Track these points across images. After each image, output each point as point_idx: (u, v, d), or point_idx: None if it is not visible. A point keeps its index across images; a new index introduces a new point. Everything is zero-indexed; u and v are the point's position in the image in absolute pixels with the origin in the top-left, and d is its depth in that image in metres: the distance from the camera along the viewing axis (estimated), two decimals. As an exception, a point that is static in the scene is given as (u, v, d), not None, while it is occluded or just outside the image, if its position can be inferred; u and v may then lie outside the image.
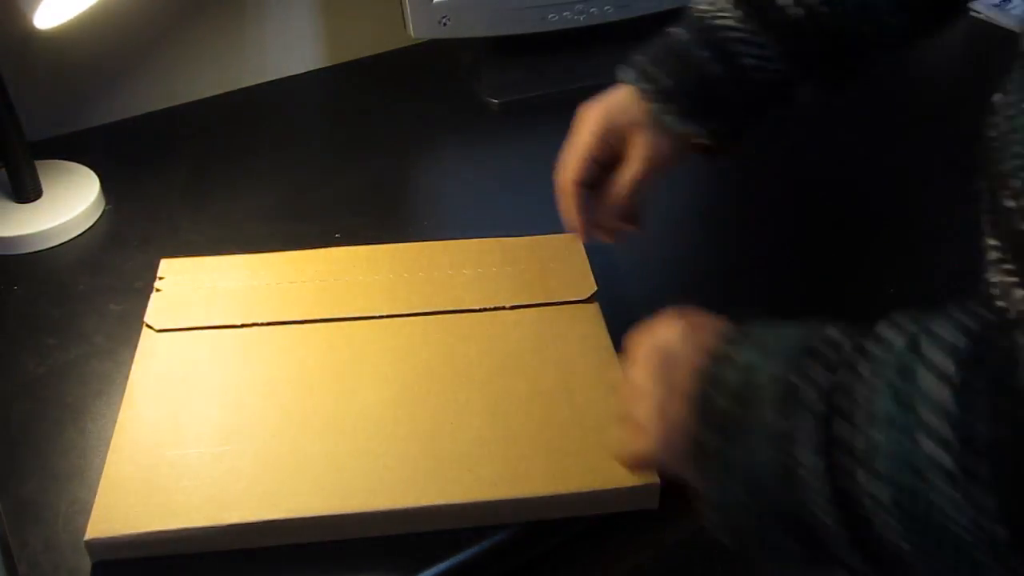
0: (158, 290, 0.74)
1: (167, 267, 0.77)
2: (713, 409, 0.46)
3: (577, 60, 1.13)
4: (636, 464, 0.58)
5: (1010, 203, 0.37)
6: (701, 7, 0.64)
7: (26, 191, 0.86)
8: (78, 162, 0.93)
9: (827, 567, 0.43)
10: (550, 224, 0.76)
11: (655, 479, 0.60)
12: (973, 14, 1.19)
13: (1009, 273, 0.38)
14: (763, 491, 0.43)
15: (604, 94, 0.67)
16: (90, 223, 0.87)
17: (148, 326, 0.71)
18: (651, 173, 0.66)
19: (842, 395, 0.40)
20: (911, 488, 0.36)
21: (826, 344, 0.43)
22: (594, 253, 0.77)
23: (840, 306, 0.75)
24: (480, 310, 0.72)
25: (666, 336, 0.52)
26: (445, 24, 1.02)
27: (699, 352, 0.48)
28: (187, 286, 0.75)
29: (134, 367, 0.68)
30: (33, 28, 0.78)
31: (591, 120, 0.67)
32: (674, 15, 0.67)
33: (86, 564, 0.57)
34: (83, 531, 0.57)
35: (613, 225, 0.70)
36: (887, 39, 0.63)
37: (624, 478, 0.60)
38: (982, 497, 0.34)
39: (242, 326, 0.71)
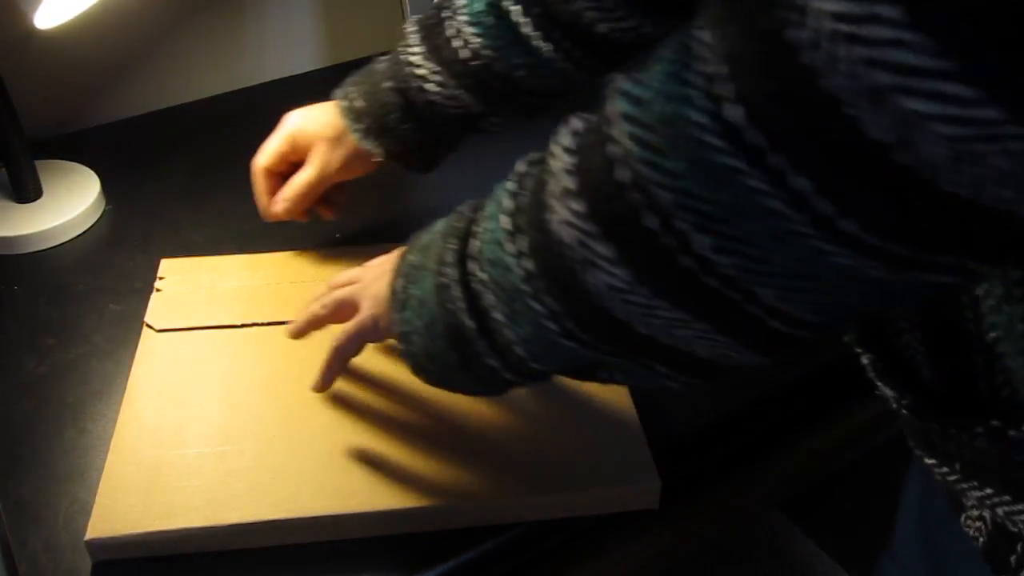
0: (158, 290, 0.74)
1: (167, 267, 0.77)
2: (404, 263, 0.54)
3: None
4: (343, 347, 0.60)
5: None
6: (405, 35, 0.71)
7: (26, 191, 0.86)
8: (78, 162, 0.93)
9: (475, 372, 0.51)
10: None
11: (656, 480, 0.60)
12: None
13: None
14: (429, 312, 0.51)
15: (318, 104, 0.75)
16: (90, 223, 0.87)
17: (148, 326, 0.71)
18: (322, 179, 0.74)
19: (478, 216, 0.49)
20: (498, 264, 0.46)
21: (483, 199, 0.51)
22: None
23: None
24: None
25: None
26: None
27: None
28: (187, 286, 0.75)
29: (134, 367, 0.68)
30: (33, 28, 0.78)
31: (289, 121, 0.75)
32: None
33: (86, 564, 0.57)
34: (83, 531, 0.57)
35: (298, 211, 0.76)
36: (559, 80, 0.67)
37: (625, 479, 0.60)
38: (529, 263, 0.44)
39: (242, 326, 0.71)
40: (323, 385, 0.62)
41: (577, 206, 0.40)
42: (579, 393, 0.65)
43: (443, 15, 0.68)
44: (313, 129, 0.74)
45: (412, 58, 0.69)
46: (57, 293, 0.79)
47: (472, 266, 0.48)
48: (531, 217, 0.43)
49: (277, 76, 1.11)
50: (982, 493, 0.45)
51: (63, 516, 0.60)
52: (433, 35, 0.68)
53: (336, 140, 0.73)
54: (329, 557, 0.58)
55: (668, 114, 0.35)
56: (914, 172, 0.30)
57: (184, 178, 0.94)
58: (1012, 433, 0.41)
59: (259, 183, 0.76)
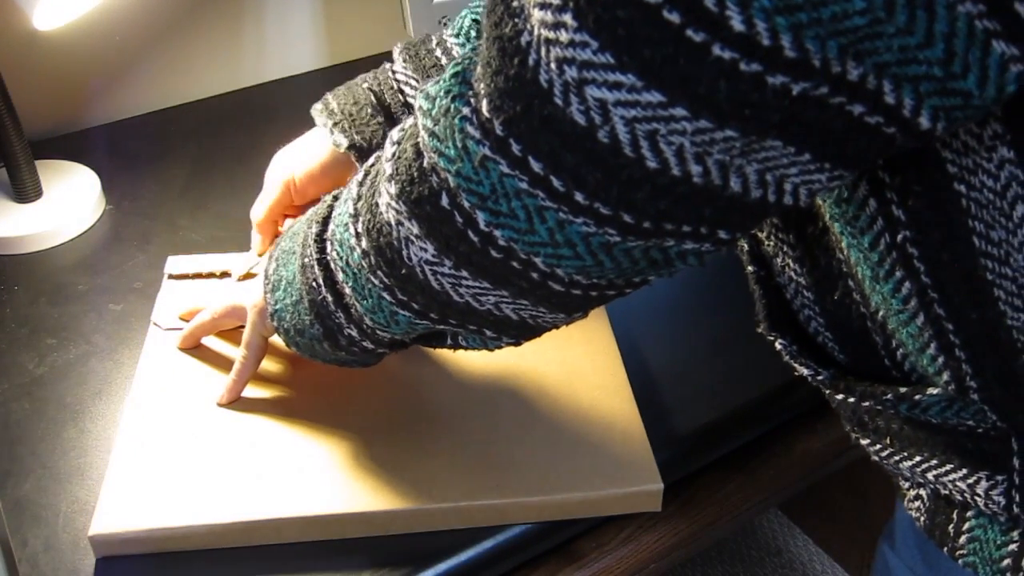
0: (165, 288, 0.74)
1: (174, 264, 0.77)
2: (277, 249, 0.60)
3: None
4: (245, 357, 0.64)
5: None
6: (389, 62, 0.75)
7: (26, 191, 0.86)
8: (78, 162, 0.93)
9: (338, 342, 0.57)
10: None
11: (658, 482, 0.60)
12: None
13: None
14: (296, 290, 0.56)
15: (297, 140, 0.75)
16: (90, 223, 0.87)
17: (155, 324, 0.71)
18: (312, 193, 0.74)
19: (335, 203, 0.55)
20: (344, 244, 0.51)
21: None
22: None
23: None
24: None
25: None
26: (445, 24, 1.02)
27: None
28: (194, 285, 0.75)
29: (140, 364, 0.68)
30: (33, 28, 0.78)
31: (277, 168, 0.74)
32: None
33: (87, 564, 0.57)
34: (83, 531, 0.57)
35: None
36: None
37: (628, 481, 0.60)
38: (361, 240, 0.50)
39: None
40: (229, 395, 0.65)
41: (393, 189, 0.45)
42: (583, 395, 0.65)
43: (430, 36, 0.73)
44: (304, 170, 0.73)
45: (393, 67, 0.74)
46: (57, 293, 0.79)
47: (327, 246, 0.54)
48: (367, 202, 0.49)
49: (277, 76, 1.11)
50: (913, 463, 0.50)
51: (63, 516, 0.60)
52: (417, 51, 0.73)
53: (312, 154, 0.73)
54: (330, 556, 0.58)
55: (443, 108, 0.41)
56: (617, 151, 0.36)
57: (184, 178, 0.94)
58: (919, 397, 0.46)
59: (260, 236, 0.76)
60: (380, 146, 0.72)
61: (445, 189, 0.42)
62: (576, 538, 0.63)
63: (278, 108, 1.07)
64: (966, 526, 0.51)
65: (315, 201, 0.73)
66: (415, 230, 0.45)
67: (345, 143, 0.71)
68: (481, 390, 0.66)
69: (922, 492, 0.52)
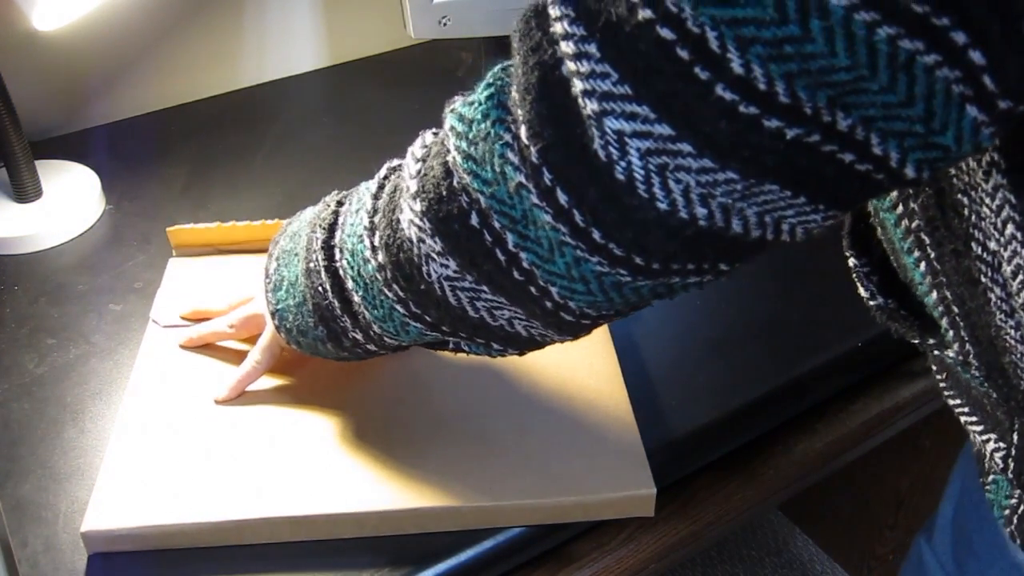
0: (165, 285, 0.74)
1: (174, 264, 0.77)
2: (277, 248, 0.60)
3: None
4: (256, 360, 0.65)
5: None
6: None
7: (26, 191, 0.86)
8: (78, 162, 0.93)
9: (343, 344, 0.58)
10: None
11: (651, 487, 0.60)
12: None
13: None
14: (300, 292, 0.57)
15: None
16: (90, 223, 0.87)
17: (154, 321, 0.71)
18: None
19: (342, 209, 0.56)
20: (356, 255, 0.52)
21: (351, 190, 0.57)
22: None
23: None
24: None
25: None
26: (445, 24, 1.02)
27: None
28: (193, 283, 0.75)
29: (137, 362, 0.68)
30: (33, 28, 0.78)
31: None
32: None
33: (87, 564, 0.57)
34: (83, 531, 0.57)
35: None
36: None
37: (621, 485, 0.60)
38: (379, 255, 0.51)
39: None
40: (230, 393, 0.65)
41: (418, 207, 0.46)
42: (579, 398, 0.65)
43: None
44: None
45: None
46: (57, 293, 0.79)
47: (336, 254, 0.54)
48: (385, 216, 0.50)
49: (277, 76, 1.11)
50: (954, 403, 0.53)
51: (63, 516, 0.60)
52: None
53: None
54: (325, 557, 0.58)
55: (483, 132, 0.42)
56: (631, 188, 0.37)
57: (184, 178, 0.94)
58: (938, 353, 0.50)
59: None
60: None
61: (476, 209, 0.43)
62: (575, 538, 0.63)
63: (278, 108, 1.07)
64: (988, 468, 0.54)
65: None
66: (437, 247, 0.46)
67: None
68: (475, 392, 0.66)
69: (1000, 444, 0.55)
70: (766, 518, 1.59)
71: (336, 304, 0.55)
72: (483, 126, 0.42)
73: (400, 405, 0.65)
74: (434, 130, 0.50)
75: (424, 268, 0.47)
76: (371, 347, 0.57)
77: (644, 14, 0.33)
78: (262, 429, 0.63)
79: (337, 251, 0.55)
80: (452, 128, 0.44)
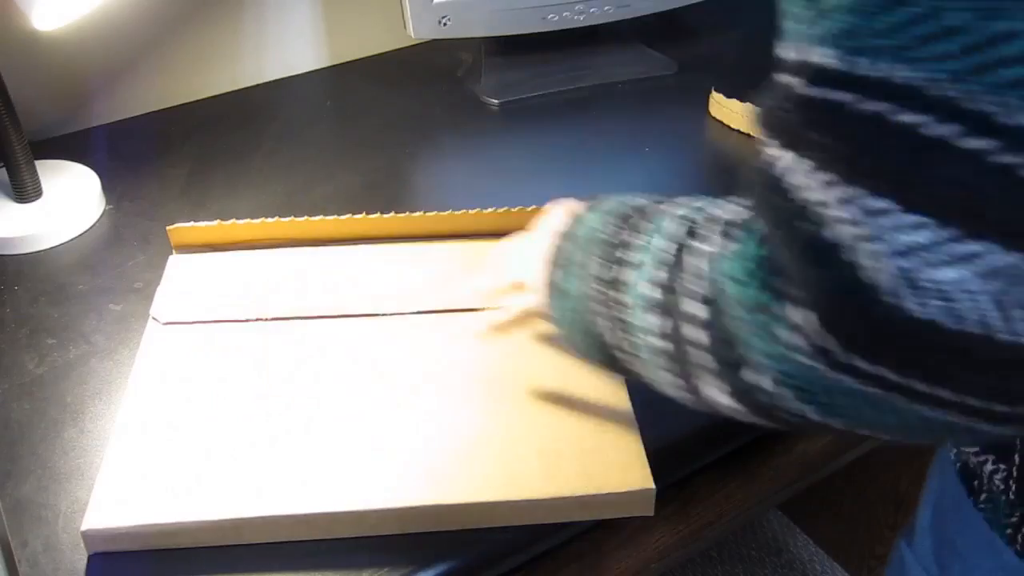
0: (165, 283, 0.74)
1: (175, 261, 0.77)
2: (560, 252, 0.56)
3: (577, 60, 1.13)
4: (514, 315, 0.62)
5: None
6: None
7: (26, 191, 0.86)
8: (78, 162, 0.93)
9: (625, 374, 0.54)
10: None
11: (650, 485, 0.60)
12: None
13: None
14: (579, 313, 0.53)
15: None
16: (90, 223, 0.87)
17: (154, 319, 0.71)
18: None
19: (633, 244, 0.50)
20: (629, 311, 0.48)
21: (652, 201, 0.52)
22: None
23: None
24: (482, 310, 0.72)
25: (548, 217, 0.61)
26: (445, 24, 1.02)
27: (564, 218, 0.58)
28: (193, 280, 0.75)
29: (137, 360, 0.68)
30: (33, 28, 0.78)
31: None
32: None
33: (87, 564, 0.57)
34: (83, 531, 0.57)
35: None
36: None
37: (620, 483, 0.60)
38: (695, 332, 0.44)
39: (246, 321, 0.71)
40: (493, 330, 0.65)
41: (715, 382, 0.43)
42: (577, 396, 0.65)
43: None
44: None
45: None
46: (57, 293, 0.79)
47: (620, 295, 0.50)
48: (673, 308, 0.45)
49: (277, 76, 1.11)
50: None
51: (63, 516, 0.60)
52: None
53: None
54: (324, 556, 0.58)
55: (762, 326, 0.38)
56: (969, 336, 0.32)
57: (184, 178, 0.94)
58: None
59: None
60: None
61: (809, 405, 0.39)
62: (576, 538, 0.63)
63: (278, 108, 1.07)
64: (985, 488, 0.53)
65: None
66: (727, 402, 0.44)
67: None
68: (475, 391, 0.66)
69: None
70: (766, 518, 1.59)
71: (611, 342, 0.52)
72: (760, 319, 0.38)
73: (400, 405, 0.65)
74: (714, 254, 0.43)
75: (700, 384, 0.45)
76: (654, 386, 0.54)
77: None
78: (262, 428, 0.63)
79: (620, 291, 0.50)
80: (731, 296, 0.40)
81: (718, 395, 0.44)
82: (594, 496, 0.59)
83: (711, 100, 1.04)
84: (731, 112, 1.02)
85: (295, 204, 0.89)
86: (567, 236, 0.56)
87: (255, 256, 0.77)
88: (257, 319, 0.71)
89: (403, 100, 1.07)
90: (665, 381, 0.48)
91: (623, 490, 0.60)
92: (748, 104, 1.00)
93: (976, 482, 0.54)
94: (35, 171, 0.87)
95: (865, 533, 1.43)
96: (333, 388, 0.66)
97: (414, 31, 1.02)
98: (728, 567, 1.52)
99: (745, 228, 0.41)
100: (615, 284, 0.50)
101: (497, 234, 0.80)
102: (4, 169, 0.87)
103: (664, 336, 0.46)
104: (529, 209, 0.80)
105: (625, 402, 0.65)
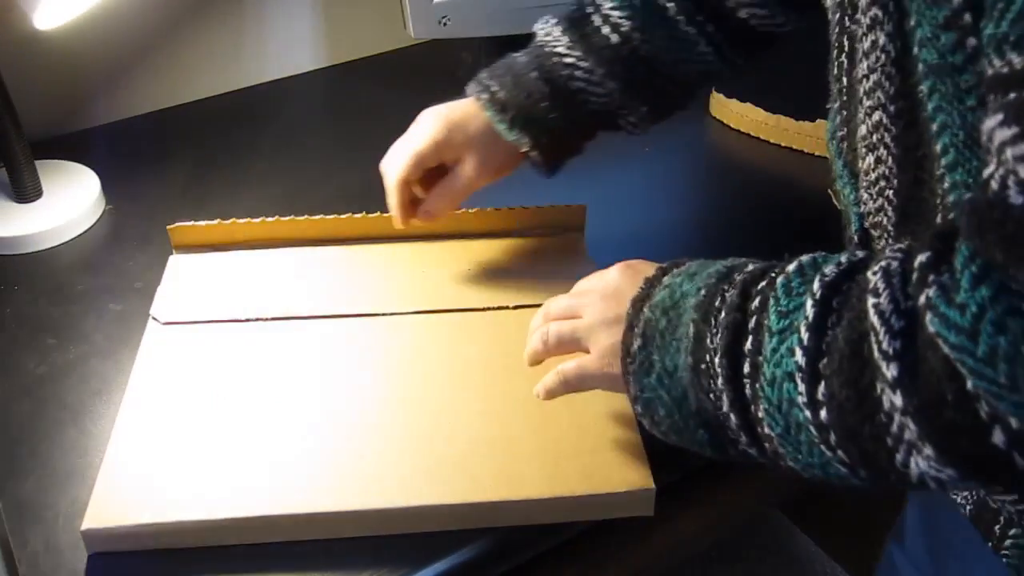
0: (166, 282, 0.74)
1: (175, 261, 0.77)
2: (640, 320, 0.53)
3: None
4: (568, 380, 0.59)
5: None
6: (541, 35, 0.71)
7: (26, 191, 0.86)
8: (78, 162, 0.93)
9: (727, 452, 0.51)
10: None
11: (650, 485, 0.60)
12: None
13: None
14: (679, 387, 0.51)
15: (448, 103, 0.72)
16: (90, 223, 0.87)
17: (154, 318, 0.71)
18: (484, 179, 0.71)
19: (753, 311, 0.47)
20: (778, 388, 0.45)
21: (740, 270, 0.50)
22: (598, 256, 0.77)
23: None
24: (483, 310, 0.72)
25: (612, 275, 0.59)
26: (445, 24, 1.02)
27: (639, 281, 0.55)
28: (193, 280, 0.75)
29: (138, 360, 0.68)
30: (33, 28, 0.78)
31: (429, 126, 0.71)
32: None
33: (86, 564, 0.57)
34: (83, 531, 0.57)
35: (438, 213, 0.73)
36: (700, 67, 0.69)
37: (620, 483, 0.60)
38: (816, 411, 0.43)
39: (246, 321, 0.71)
40: (546, 397, 0.61)
41: (899, 400, 0.40)
42: (578, 396, 0.65)
43: (587, 9, 0.69)
44: (461, 135, 0.70)
45: (558, 48, 0.69)
46: (57, 293, 0.79)
47: (744, 366, 0.47)
48: (845, 374, 0.42)
49: (277, 76, 1.11)
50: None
51: (63, 516, 0.60)
52: (579, 26, 0.69)
53: (488, 140, 0.70)
54: (324, 556, 0.58)
55: (1005, 351, 0.35)
56: None
57: (184, 178, 0.94)
58: None
59: (398, 195, 0.72)
60: (559, 140, 0.70)
61: (1003, 427, 0.37)
62: (576, 538, 0.62)
63: (278, 108, 1.07)
64: (1012, 531, 0.52)
65: (439, 169, 0.71)
66: (928, 451, 0.40)
67: (528, 144, 0.69)
68: (475, 391, 0.66)
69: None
70: (766, 518, 1.59)
71: (733, 419, 0.48)
72: (998, 341, 0.36)
73: (400, 405, 0.65)
74: (892, 280, 0.41)
75: (898, 456, 0.41)
76: (761, 460, 0.50)
77: None
78: (262, 428, 0.63)
79: (746, 363, 0.47)
80: (947, 341, 0.37)
81: (919, 462, 0.41)
82: (594, 496, 0.59)
83: (711, 100, 1.04)
84: (731, 112, 1.02)
85: (295, 204, 0.89)
86: (642, 301, 0.53)
87: (255, 256, 0.77)
88: (257, 319, 0.71)
89: (403, 100, 1.07)
90: (810, 455, 0.45)
91: (623, 490, 0.60)
92: (748, 104, 1.00)
93: (996, 526, 0.53)
94: (35, 171, 0.87)
95: (865, 533, 1.43)
96: (333, 388, 0.66)
97: (414, 31, 1.02)
98: (728, 567, 1.52)
99: (956, 270, 0.37)
100: (731, 353, 0.47)
101: (497, 234, 0.80)
102: (4, 169, 0.87)
103: (819, 404, 0.43)
104: (530, 208, 0.81)
105: (625, 402, 0.65)
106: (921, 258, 0.39)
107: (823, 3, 0.54)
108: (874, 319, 0.40)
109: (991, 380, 0.35)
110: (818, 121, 0.95)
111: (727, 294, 0.49)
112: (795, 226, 0.88)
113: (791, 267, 0.47)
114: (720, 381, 0.48)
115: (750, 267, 0.50)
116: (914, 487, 0.43)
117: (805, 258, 0.47)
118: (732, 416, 0.48)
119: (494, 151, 0.70)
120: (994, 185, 0.34)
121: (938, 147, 0.43)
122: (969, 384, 0.36)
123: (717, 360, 0.48)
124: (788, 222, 0.89)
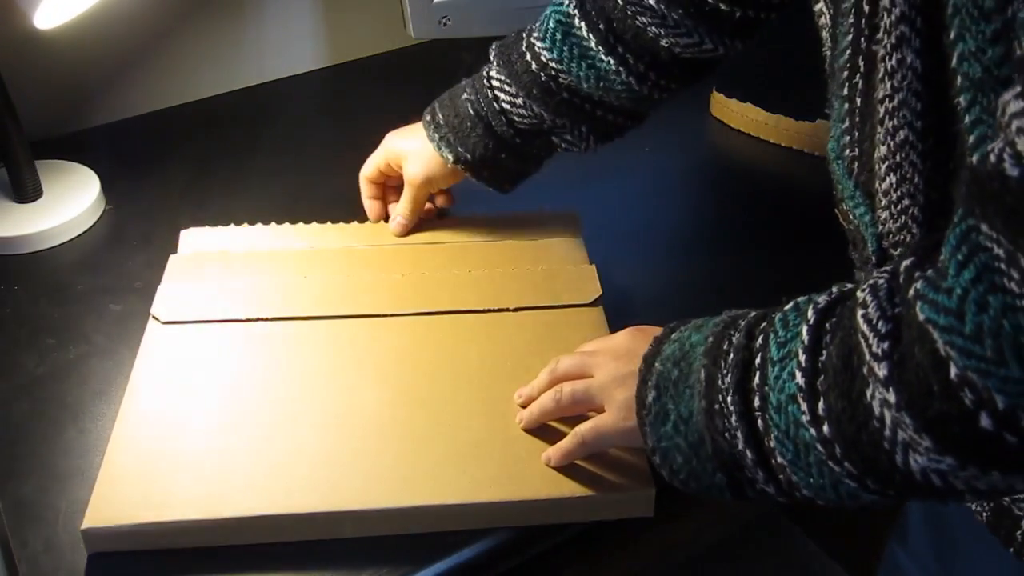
0: (166, 281, 0.74)
1: (175, 261, 0.77)
2: (653, 374, 0.55)
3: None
4: (586, 441, 0.59)
5: None
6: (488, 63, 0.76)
7: (26, 191, 0.86)
8: (78, 162, 0.93)
9: (745, 494, 0.52)
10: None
11: (650, 486, 0.60)
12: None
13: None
14: (695, 432, 0.52)
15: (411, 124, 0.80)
16: (90, 223, 0.87)
17: (154, 318, 0.71)
18: (416, 188, 0.79)
19: (756, 349, 0.50)
20: (783, 412, 0.47)
21: (743, 316, 0.53)
22: (599, 257, 0.77)
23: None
24: (483, 311, 0.72)
25: (621, 337, 0.62)
26: (445, 24, 1.02)
27: (648, 340, 0.57)
28: (194, 280, 0.75)
29: (138, 359, 0.68)
30: (33, 28, 0.78)
31: (386, 139, 0.81)
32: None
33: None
34: (83, 531, 0.57)
35: (413, 223, 0.81)
36: (629, 95, 0.71)
37: (620, 484, 0.60)
38: (820, 429, 0.45)
39: (247, 320, 0.71)
40: (556, 463, 0.61)
41: (892, 397, 0.41)
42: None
43: (521, 34, 0.74)
44: (402, 146, 0.79)
45: (490, 73, 0.75)
46: (57, 293, 0.79)
47: (755, 403, 0.48)
48: (838, 387, 0.44)
49: (277, 76, 1.11)
50: None
51: (63, 516, 0.60)
52: (508, 52, 0.74)
53: (422, 153, 0.78)
54: (324, 556, 0.58)
55: (989, 327, 0.36)
56: None
57: (184, 178, 0.94)
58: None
59: (365, 190, 0.83)
60: (485, 158, 0.75)
61: (989, 410, 0.38)
62: (576, 538, 0.62)
63: (278, 108, 1.08)
64: None
65: (393, 179, 0.81)
66: (926, 443, 0.41)
67: (451, 158, 0.76)
68: (475, 391, 0.66)
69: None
70: (766, 518, 1.59)
71: (749, 456, 0.49)
72: (983, 319, 0.37)
73: (400, 405, 0.65)
74: (880, 289, 0.43)
75: (901, 457, 0.42)
76: (780, 498, 0.52)
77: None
78: (262, 428, 0.63)
79: (756, 397, 0.49)
80: (934, 322, 0.39)
81: (918, 459, 0.42)
82: (594, 496, 0.59)
83: (711, 100, 1.04)
84: (731, 112, 1.02)
85: (295, 203, 0.89)
86: (653, 356, 0.55)
87: (255, 256, 0.77)
88: (257, 319, 0.71)
89: (403, 100, 1.07)
90: (820, 476, 0.47)
91: (623, 491, 0.60)
92: (748, 104, 1.00)
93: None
94: (35, 171, 0.87)
95: (866, 534, 1.43)
96: (333, 388, 0.66)
97: (414, 31, 1.02)
98: (728, 567, 1.52)
99: (942, 263, 0.39)
100: (741, 390, 0.49)
101: (495, 238, 0.80)
102: (4, 169, 0.87)
103: (820, 419, 0.45)
104: (534, 212, 0.81)
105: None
106: (905, 262, 0.42)
107: (816, 23, 0.54)
108: (863, 327, 0.42)
109: (980, 357, 0.37)
110: (818, 121, 0.95)
111: (733, 337, 0.51)
112: (795, 226, 0.88)
113: (788, 306, 0.50)
114: (734, 419, 0.49)
115: (752, 313, 0.53)
116: (920, 490, 0.43)
117: (801, 298, 0.50)
118: (748, 453, 0.49)
119: (426, 164, 0.78)
120: (992, 157, 0.35)
121: (974, 159, 0.43)
122: (953, 372, 0.38)
123: (730, 399, 0.49)
124: (788, 222, 0.89)
